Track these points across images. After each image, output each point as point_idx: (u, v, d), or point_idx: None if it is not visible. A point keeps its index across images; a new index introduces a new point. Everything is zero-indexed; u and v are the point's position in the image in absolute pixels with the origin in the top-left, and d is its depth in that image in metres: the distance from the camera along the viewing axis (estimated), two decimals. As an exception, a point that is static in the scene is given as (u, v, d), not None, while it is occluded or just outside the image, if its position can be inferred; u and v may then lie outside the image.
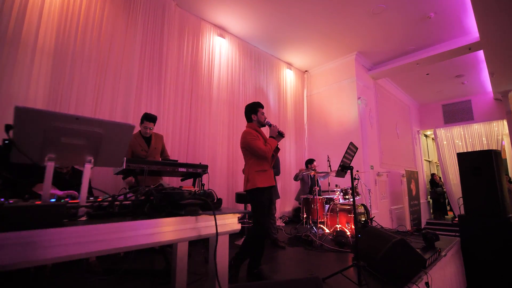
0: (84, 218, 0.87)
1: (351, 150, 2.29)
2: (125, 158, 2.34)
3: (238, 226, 1.22)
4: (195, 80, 4.40)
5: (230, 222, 1.20)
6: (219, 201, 1.25)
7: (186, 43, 4.36)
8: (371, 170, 5.73)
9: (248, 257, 2.30)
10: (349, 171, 2.26)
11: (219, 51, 4.86)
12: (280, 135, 2.42)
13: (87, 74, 3.27)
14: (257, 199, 2.28)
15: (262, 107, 2.56)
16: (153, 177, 3.04)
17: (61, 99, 3.07)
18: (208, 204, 1.05)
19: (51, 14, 3.08)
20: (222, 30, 4.96)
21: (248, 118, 2.60)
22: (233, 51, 5.11)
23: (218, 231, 1.05)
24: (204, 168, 2.76)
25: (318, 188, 3.91)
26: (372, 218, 3.92)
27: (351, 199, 4.02)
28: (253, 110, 2.54)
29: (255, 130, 2.46)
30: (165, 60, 4.02)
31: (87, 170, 0.97)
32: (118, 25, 3.60)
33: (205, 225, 1.10)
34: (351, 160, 2.43)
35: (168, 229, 0.99)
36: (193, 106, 4.32)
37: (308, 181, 4.56)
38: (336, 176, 2.18)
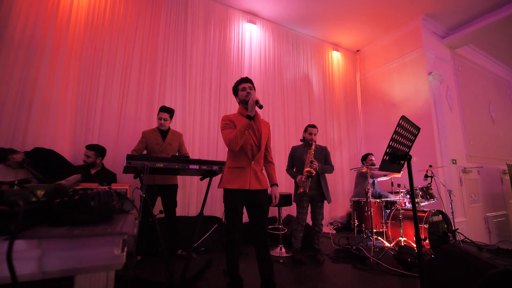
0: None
1: (404, 128, 1.49)
2: (126, 154, 2.12)
3: (112, 259, 0.52)
4: (224, 73, 4.07)
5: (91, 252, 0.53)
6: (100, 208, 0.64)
7: (213, 34, 4.08)
8: (453, 165, 4.39)
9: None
10: (405, 163, 1.49)
11: (250, 39, 4.43)
12: (258, 106, 1.66)
13: (112, 76, 3.27)
14: (225, 202, 1.80)
15: (246, 81, 1.89)
16: (167, 177, 2.80)
17: (88, 101, 3.12)
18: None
19: (78, 19, 3.17)
20: (252, 16, 4.52)
21: None
22: (265, 38, 4.61)
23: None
24: (221, 164, 2.36)
25: (373, 189, 3.05)
26: (455, 230, 2.80)
27: (422, 203, 3.02)
28: (234, 91, 1.96)
29: (238, 115, 1.87)
30: (189, 54, 3.80)
31: None
32: (140, 23, 3.54)
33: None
34: (409, 147, 1.64)
35: None
36: (222, 100, 3.99)
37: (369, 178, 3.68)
38: (380, 169, 1.44)
